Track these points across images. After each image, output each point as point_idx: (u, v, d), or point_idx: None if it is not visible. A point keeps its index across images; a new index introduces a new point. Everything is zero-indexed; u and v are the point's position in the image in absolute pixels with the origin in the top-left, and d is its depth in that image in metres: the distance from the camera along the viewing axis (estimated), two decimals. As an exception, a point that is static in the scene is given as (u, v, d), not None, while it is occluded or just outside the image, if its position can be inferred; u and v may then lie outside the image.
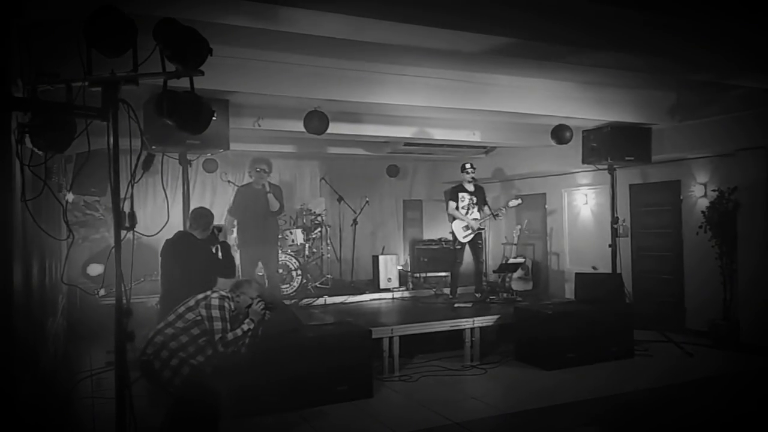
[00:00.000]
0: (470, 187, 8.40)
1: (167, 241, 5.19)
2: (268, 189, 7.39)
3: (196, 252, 5.12)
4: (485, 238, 8.88)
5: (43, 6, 3.48)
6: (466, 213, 8.31)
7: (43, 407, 4.14)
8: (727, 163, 7.69)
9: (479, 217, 8.35)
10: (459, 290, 8.55)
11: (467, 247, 8.39)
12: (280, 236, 8.61)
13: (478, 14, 4.32)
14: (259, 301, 4.12)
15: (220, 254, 5.26)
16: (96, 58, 2.62)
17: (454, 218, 8.33)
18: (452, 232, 8.40)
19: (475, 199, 8.36)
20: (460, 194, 8.35)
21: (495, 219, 8.62)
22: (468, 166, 8.40)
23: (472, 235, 8.30)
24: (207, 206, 10.91)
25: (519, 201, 8.67)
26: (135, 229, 2.70)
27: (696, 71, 5.77)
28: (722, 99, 7.15)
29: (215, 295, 3.96)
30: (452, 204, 8.32)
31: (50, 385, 4.83)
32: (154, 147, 5.30)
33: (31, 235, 3.94)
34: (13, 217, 2.91)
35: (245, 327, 3.99)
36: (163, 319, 4.02)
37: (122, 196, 2.66)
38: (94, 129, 2.86)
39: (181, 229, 5.59)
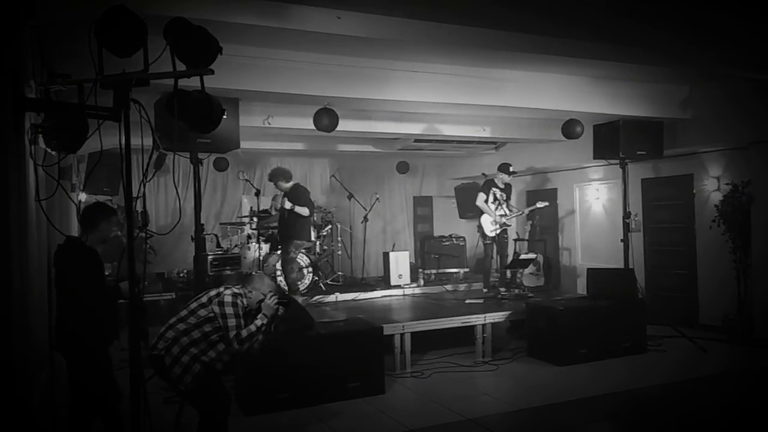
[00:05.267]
0: (501, 184, 8.53)
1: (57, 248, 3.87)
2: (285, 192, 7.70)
3: (73, 266, 3.70)
4: (510, 234, 8.91)
5: (55, 7, 3.50)
6: (496, 209, 8.43)
7: (57, 407, 4.18)
8: (740, 157, 7.62)
9: (507, 213, 8.48)
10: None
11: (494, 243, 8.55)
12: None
13: (487, 11, 4.30)
14: (272, 296, 4.09)
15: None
16: (107, 58, 2.63)
17: (482, 212, 8.42)
18: (480, 226, 8.49)
19: (504, 196, 8.52)
20: (493, 189, 8.45)
21: (517, 217, 8.81)
22: (512, 168, 8.51)
23: (499, 230, 8.43)
24: (218, 205, 11.00)
25: (546, 203, 8.91)
26: (147, 228, 2.71)
27: (708, 64, 5.71)
28: (735, 92, 7.08)
29: (228, 291, 3.95)
30: (482, 196, 8.39)
31: (63, 384, 4.87)
32: (165, 146, 5.30)
33: (44, 235, 3.97)
34: (28, 218, 2.94)
35: (258, 322, 3.97)
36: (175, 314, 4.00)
37: (134, 195, 2.67)
38: (106, 128, 2.88)
39: (193, 227, 5.53)
